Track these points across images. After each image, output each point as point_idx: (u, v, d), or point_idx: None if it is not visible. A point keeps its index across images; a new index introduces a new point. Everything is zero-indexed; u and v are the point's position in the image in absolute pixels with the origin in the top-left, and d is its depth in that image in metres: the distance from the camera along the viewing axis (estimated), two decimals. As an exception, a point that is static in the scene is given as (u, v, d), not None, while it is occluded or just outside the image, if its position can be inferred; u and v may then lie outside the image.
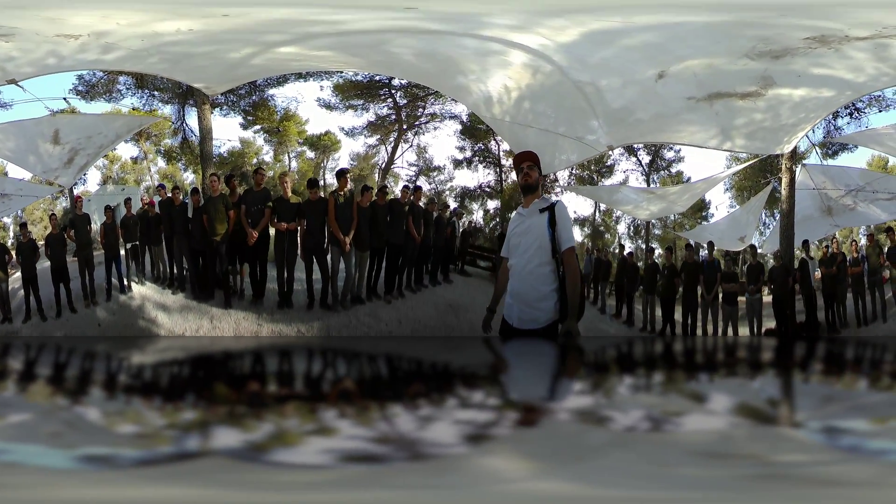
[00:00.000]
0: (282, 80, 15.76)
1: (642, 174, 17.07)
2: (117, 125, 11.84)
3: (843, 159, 13.51)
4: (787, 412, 1.74)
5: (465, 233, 14.35)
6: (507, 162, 18.43)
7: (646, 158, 17.17)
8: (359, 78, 16.08)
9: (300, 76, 15.50)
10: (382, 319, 10.46)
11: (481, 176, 18.64)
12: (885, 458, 1.19)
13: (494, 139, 18.09)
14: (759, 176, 14.80)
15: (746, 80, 8.21)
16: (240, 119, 16.84)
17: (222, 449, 1.26)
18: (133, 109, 15.07)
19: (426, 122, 17.63)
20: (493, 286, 12.64)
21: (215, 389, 2.05)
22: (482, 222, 18.92)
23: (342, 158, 18.03)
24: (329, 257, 9.97)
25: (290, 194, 9.96)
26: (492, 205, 18.87)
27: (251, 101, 16.46)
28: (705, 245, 12.84)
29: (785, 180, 11.07)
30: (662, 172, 16.83)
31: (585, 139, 9.92)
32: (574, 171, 18.03)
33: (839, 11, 7.04)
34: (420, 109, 17.45)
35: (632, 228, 17.65)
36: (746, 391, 2.16)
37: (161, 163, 17.39)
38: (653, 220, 16.35)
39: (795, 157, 11.11)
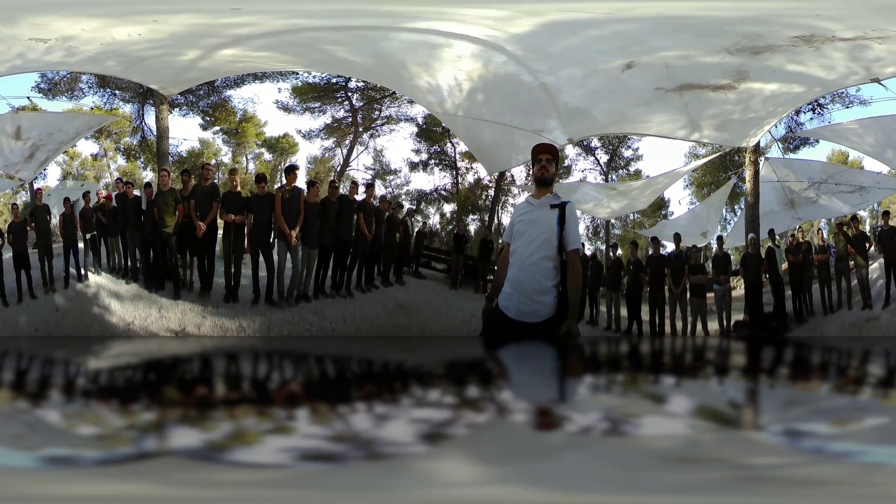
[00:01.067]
0: (239, 82, 15.70)
1: (600, 173, 16.92)
2: (77, 123, 12.24)
3: (805, 153, 13.73)
4: (752, 416, 1.77)
5: (419, 233, 13.95)
6: (464, 164, 18.14)
7: (604, 157, 17.04)
8: (316, 80, 15.92)
9: (257, 77, 15.48)
10: (327, 318, 10.29)
11: (437, 179, 18.30)
12: (851, 460, 1.21)
13: (451, 141, 17.83)
14: (719, 171, 14.88)
15: (721, 72, 8.32)
16: (199, 119, 16.78)
17: (178, 449, 1.27)
18: (95, 107, 15.12)
19: (382, 125, 17.34)
20: (447, 288, 12.45)
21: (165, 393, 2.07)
22: (438, 226, 18.55)
23: (299, 161, 17.82)
24: (275, 252, 9.99)
25: (238, 189, 10.11)
26: (448, 208, 18.51)
27: (210, 102, 16.35)
28: (666, 241, 12.66)
29: (749, 173, 11.09)
30: (621, 171, 16.74)
31: (543, 133, 9.73)
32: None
33: (844, 14, 7.03)
34: (376, 112, 17.18)
35: (591, 229, 17.45)
36: (709, 394, 2.20)
37: (121, 160, 17.24)
38: (612, 220, 16.19)
39: (758, 150, 11.09)
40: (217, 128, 16.79)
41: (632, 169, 16.74)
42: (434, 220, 18.64)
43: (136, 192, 10.39)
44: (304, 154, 18.37)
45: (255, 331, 9.74)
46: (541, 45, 7.82)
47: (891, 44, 7.42)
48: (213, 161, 16.54)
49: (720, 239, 11.87)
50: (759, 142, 10.61)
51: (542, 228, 3.88)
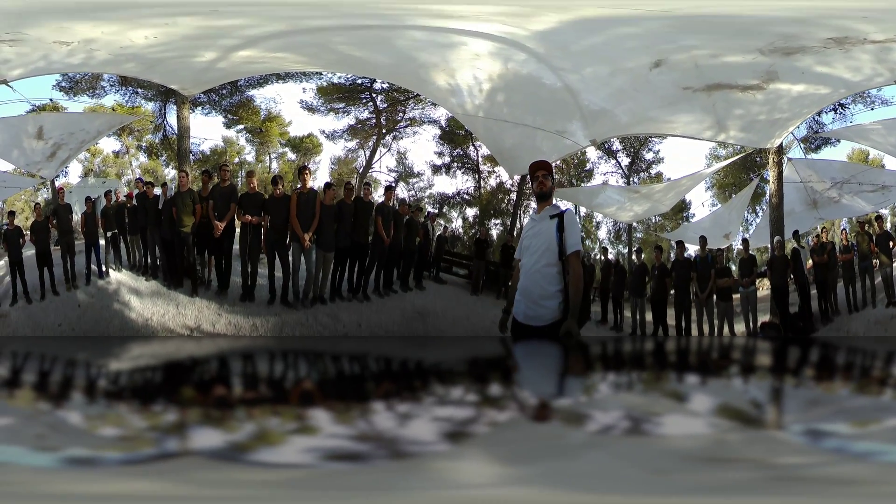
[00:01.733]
0: (262, 81, 15.69)
1: (622, 176, 16.73)
2: (99, 122, 12.29)
3: (826, 153, 13.61)
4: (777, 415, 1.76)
5: (440, 237, 13.87)
6: (486, 167, 18.04)
7: (625, 160, 16.84)
8: (341, 81, 15.90)
9: (280, 77, 15.44)
10: (341, 321, 10.23)
11: (460, 182, 18.20)
12: (876, 459, 1.22)
13: (473, 145, 17.75)
14: (741, 173, 14.69)
15: (751, 72, 8.23)
16: (222, 118, 16.72)
17: (200, 449, 1.26)
18: (117, 105, 15.19)
19: (405, 127, 17.29)
20: (468, 294, 12.29)
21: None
22: (461, 230, 18.46)
23: (323, 161, 17.83)
24: (291, 254, 9.99)
25: (256, 189, 10.15)
26: (470, 212, 18.40)
27: (233, 102, 16.35)
28: (689, 244, 12.45)
29: (773, 174, 10.98)
30: (642, 174, 16.52)
31: (566, 133, 9.71)
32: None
33: (884, 16, 7.04)
34: (400, 114, 17.12)
35: (613, 233, 17.24)
36: (734, 394, 2.18)
37: (142, 158, 17.23)
38: (634, 223, 16.00)
39: (781, 151, 10.94)
40: (241, 126, 16.78)
41: (653, 171, 16.56)
42: (456, 223, 18.62)
43: (157, 191, 10.59)
44: (328, 155, 18.35)
45: (268, 330, 9.76)
46: (564, 43, 7.73)
47: None
48: (237, 160, 16.80)
49: (745, 241, 11.74)
50: (781, 143, 10.48)
51: (544, 238, 4.12)
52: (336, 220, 10.16)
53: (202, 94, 13.82)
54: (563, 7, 6.93)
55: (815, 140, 12.97)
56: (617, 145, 16.29)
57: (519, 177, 16.54)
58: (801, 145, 12.21)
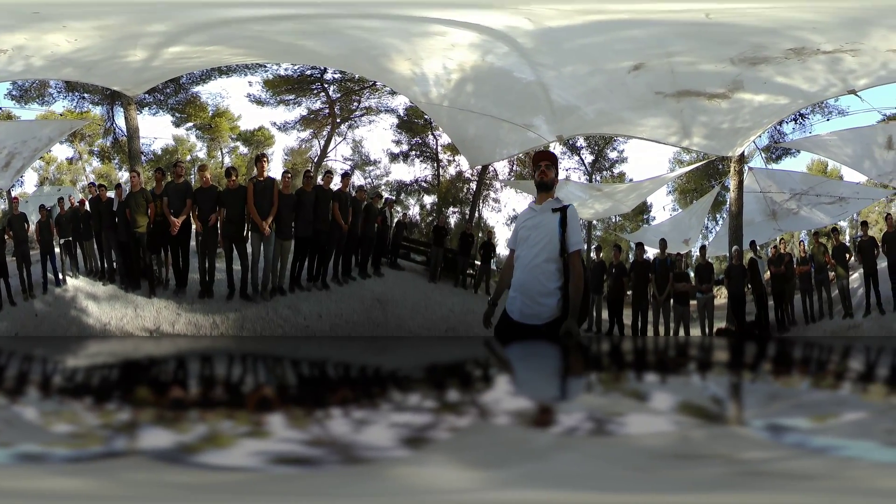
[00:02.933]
0: (206, 77, 15.86)
1: (585, 173, 16.97)
2: (49, 129, 12.23)
3: (786, 163, 14.08)
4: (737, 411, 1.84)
5: (399, 224, 13.87)
6: (445, 156, 18.07)
7: (589, 157, 17.07)
8: (288, 73, 16.06)
9: (222, 72, 15.57)
10: (302, 313, 10.18)
11: (418, 170, 18.21)
12: (834, 454, 1.26)
13: (433, 134, 17.74)
14: (702, 179, 15.03)
15: (719, 81, 8.37)
16: (170, 117, 16.98)
17: (146, 449, 1.28)
18: (67, 111, 15.42)
19: (361, 116, 17.20)
20: (426, 281, 12.32)
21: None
22: (418, 217, 18.50)
23: (276, 153, 17.99)
24: (249, 245, 9.93)
25: (210, 184, 10.11)
26: (428, 200, 18.44)
27: (179, 100, 16.57)
28: (648, 246, 12.73)
29: (734, 183, 11.25)
30: (605, 172, 16.78)
31: (532, 127, 9.71)
32: (514, 169, 17.81)
33: (828, 27, 7.18)
34: (355, 103, 17.02)
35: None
36: (693, 391, 2.27)
37: (96, 162, 17.52)
38: (594, 221, 16.23)
39: (743, 160, 11.21)
40: (190, 124, 16.96)
41: (616, 171, 16.86)
42: (413, 210, 18.65)
43: (110, 194, 10.66)
44: (281, 146, 18.44)
45: (228, 327, 9.72)
46: (559, 40, 7.72)
47: (861, 56, 7.67)
48: (189, 157, 16.94)
49: (703, 248, 12.04)
50: (743, 151, 10.75)
51: (545, 232, 3.98)
52: (295, 209, 10.14)
53: (148, 95, 14.01)
54: (586, 10, 6.95)
55: (776, 150, 13.39)
56: (581, 142, 16.51)
57: (480, 167, 16.69)
58: (763, 154, 12.60)
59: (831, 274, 10.99)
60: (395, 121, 17.39)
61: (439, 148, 18.04)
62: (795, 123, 12.77)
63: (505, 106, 9.52)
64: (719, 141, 9.79)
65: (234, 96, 20.44)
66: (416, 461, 1.18)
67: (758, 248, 11.83)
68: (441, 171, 18.24)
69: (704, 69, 7.97)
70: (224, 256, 10.14)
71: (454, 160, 17.97)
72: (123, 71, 8.96)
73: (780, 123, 12.23)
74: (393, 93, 16.00)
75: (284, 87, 16.34)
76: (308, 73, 15.81)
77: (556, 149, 16.81)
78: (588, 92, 8.86)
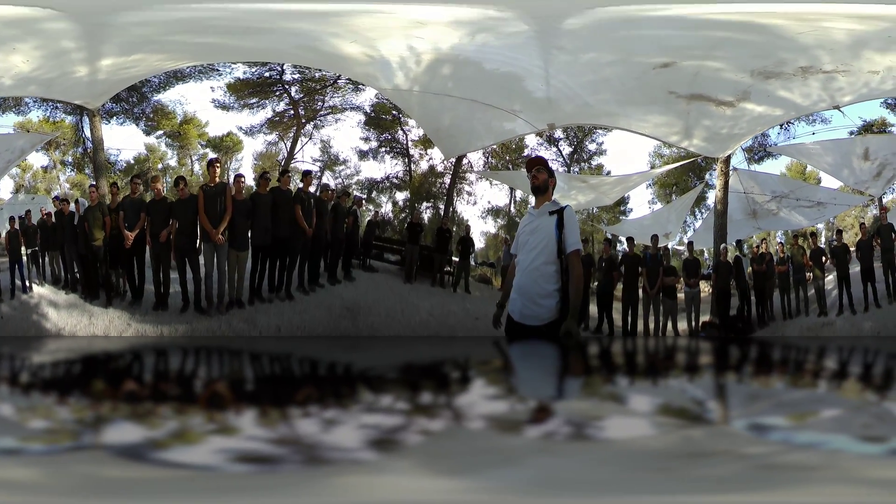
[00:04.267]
0: (164, 85, 15.91)
1: (562, 165, 17.33)
2: (22, 141, 12.85)
3: (767, 164, 14.97)
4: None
5: (371, 223, 13.80)
6: (417, 150, 18.18)
7: (567, 149, 17.40)
8: (248, 76, 16.02)
9: (178, 78, 15.63)
10: (258, 326, 10.02)
11: (389, 167, 18.30)
12: (821, 448, 1.36)
13: (402, 129, 17.86)
14: (683, 174, 15.67)
15: (732, 90, 8.87)
16: (136, 126, 16.71)
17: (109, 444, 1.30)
18: (43, 120, 15.39)
19: (326, 115, 17.30)
20: (401, 282, 12.09)
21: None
22: (391, 214, 18.57)
23: (245, 158, 17.77)
24: (203, 256, 9.90)
25: (162, 195, 10.21)
26: (401, 196, 18.55)
27: (143, 109, 16.42)
28: (625, 239, 13.30)
29: (720, 183, 11.93)
30: (583, 164, 17.11)
31: (521, 113, 9.62)
32: (489, 160, 18.02)
33: (836, 47, 7.84)
34: (319, 102, 17.07)
35: (552, 220, 17.70)
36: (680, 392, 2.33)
37: (70, 172, 17.10)
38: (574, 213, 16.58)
39: (729, 161, 11.96)
40: (160, 132, 16.90)
41: (594, 163, 17.23)
42: (386, 208, 18.68)
43: (71, 208, 11.20)
44: (250, 150, 18.17)
45: (176, 339, 9.77)
46: (595, 25, 7.79)
47: (849, 76, 8.46)
48: (160, 166, 16.94)
49: (690, 244, 12.75)
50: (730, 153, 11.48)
51: (543, 235, 4.15)
52: (249, 215, 9.82)
53: (113, 105, 14.49)
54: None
55: (759, 151, 14.30)
56: (559, 133, 16.74)
57: (454, 159, 16.83)
58: (746, 155, 13.45)
59: (808, 275, 11.91)
60: (362, 118, 17.47)
61: (410, 143, 18.17)
62: (780, 128, 13.69)
63: (491, 90, 9.28)
64: (714, 144, 10.44)
65: (202, 102, 20.20)
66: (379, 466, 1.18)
67: (744, 247, 12.70)
68: (413, 167, 18.38)
69: (726, 77, 8.50)
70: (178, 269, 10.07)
71: (426, 154, 18.13)
72: (77, 86, 9.37)
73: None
74: (357, 89, 16.16)
75: (247, 91, 16.27)
76: (266, 74, 15.89)
77: (532, 140, 17.15)
78: (597, 81, 8.96)
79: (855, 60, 8.18)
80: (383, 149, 18.01)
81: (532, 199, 4.50)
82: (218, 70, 15.34)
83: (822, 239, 14.48)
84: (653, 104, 9.40)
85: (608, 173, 15.99)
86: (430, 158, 18.13)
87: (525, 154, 17.68)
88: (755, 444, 1.40)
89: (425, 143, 17.50)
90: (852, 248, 12.03)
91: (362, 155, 17.73)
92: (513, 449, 1.33)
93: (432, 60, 8.78)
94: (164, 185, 11.10)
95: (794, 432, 1.57)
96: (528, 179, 4.29)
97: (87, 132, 15.21)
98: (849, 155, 11.93)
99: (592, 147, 17.19)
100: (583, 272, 4.18)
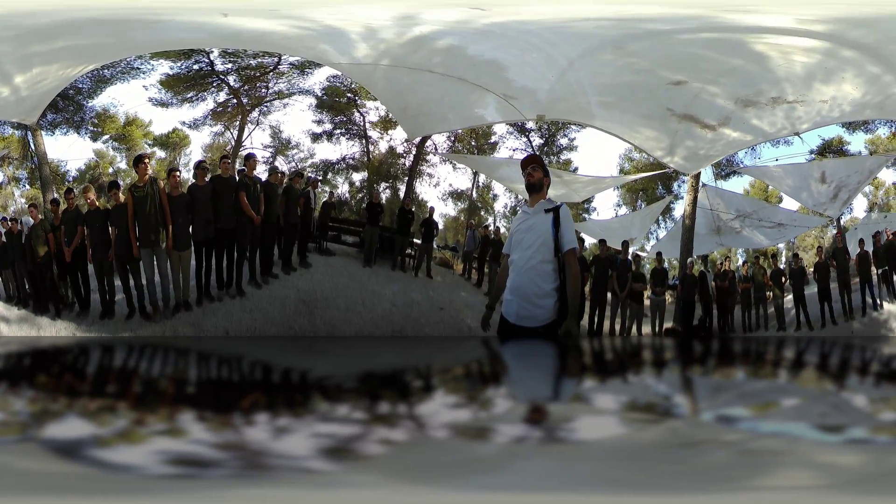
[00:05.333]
0: (95, 90, 16.14)
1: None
2: None
3: (732, 182, 15.74)
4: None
5: (326, 204, 13.17)
6: (375, 133, 18.03)
7: (538, 141, 17.43)
8: (178, 71, 16.25)
9: (106, 81, 15.90)
10: (205, 330, 9.57)
11: (345, 148, 18.13)
12: (787, 434, 1.49)
13: (359, 111, 17.69)
14: (650, 181, 16.12)
15: (717, 114, 9.32)
16: (78, 134, 16.96)
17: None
18: None
19: (272, 101, 17.07)
20: (360, 266, 11.83)
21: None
22: (348, 195, 18.43)
23: (194, 152, 17.89)
24: (142, 262, 9.57)
25: (96, 205, 9.94)
26: (358, 177, 18.44)
27: (83, 116, 16.70)
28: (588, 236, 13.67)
29: (689, 198, 12.45)
30: (553, 157, 17.18)
31: (512, 101, 9.31)
32: (455, 145, 17.97)
33: (796, 78, 8.41)
34: (263, 89, 16.80)
35: (509, 208, 17.97)
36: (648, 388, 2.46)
37: (25, 186, 17.42)
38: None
39: (699, 177, 12.48)
40: (106, 136, 17.08)
41: (563, 157, 17.34)
42: (342, 189, 18.52)
43: (20, 227, 11.47)
44: (198, 144, 18.24)
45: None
46: (627, 28, 7.77)
47: (806, 105, 9.07)
48: (111, 170, 17.30)
49: (659, 254, 13.33)
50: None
51: (539, 233, 4.05)
52: (189, 209, 9.35)
53: (54, 115, 14.82)
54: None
55: (727, 168, 14.98)
56: (531, 124, 16.76)
57: (418, 140, 16.65)
58: (714, 170, 14.08)
59: (769, 294, 12.73)
60: (313, 101, 17.30)
61: (367, 125, 18.02)
62: (748, 149, 14.38)
63: (481, 71, 8.77)
64: (689, 162, 10.89)
65: (139, 102, 19.60)
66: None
67: (708, 262, 13.39)
68: (371, 147, 18.23)
69: (718, 103, 8.90)
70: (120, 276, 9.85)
71: (385, 136, 18.02)
72: (7, 104, 9.40)
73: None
74: (303, 73, 16.17)
75: (182, 86, 16.40)
76: (196, 67, 16.02)
77: (501, 128, 17.15)
78: (606, 84, 8.90)
79: (808, 91, 8.78)
80: (338, 130, 17.92)
81: (522, 197, 4.46)
82: (139, 69, 15.71)
83: (783, 259, 15.45)
84: (651, 118, 9.62)
85: (575, 170, 16.32)
86: (391, 139, 18.09)
87: (492, 140, 17.87)
88: (730, 433, 1.47)
89: (385, 125, 17.46)
90: (810, 270, 12.89)
91: (316, 137, 17.86)
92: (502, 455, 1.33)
93: (427, 32, 7.99)
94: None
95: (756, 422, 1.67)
96: (524, 177, 4.20)
97: (33, 147, 15.27)
98: (807, 178, 12.64)
99: (564, 142, 17.44)
100: (579, 270, 4.09)
